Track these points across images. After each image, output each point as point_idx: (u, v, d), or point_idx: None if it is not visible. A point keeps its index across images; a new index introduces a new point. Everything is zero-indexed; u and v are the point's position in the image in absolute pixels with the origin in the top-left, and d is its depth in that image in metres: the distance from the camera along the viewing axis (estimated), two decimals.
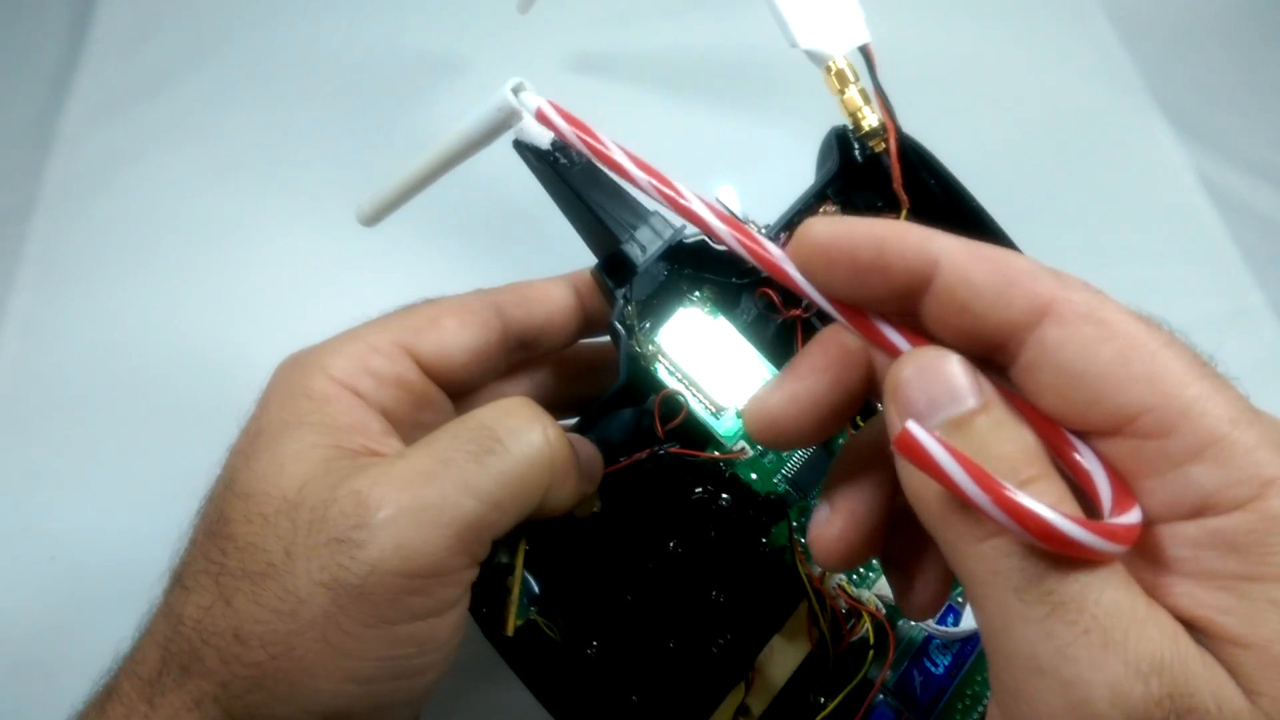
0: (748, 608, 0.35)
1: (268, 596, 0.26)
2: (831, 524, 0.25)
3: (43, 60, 0.67)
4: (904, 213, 0.38)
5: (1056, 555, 0.20)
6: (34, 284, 0.58)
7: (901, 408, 0.22)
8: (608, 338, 0.36)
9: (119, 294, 0.57)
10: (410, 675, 0.27)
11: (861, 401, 0.25)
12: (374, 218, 0.40)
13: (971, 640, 0.37)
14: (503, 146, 0.36)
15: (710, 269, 0.37)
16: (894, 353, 0.24)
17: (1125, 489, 0.21)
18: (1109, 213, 0.62)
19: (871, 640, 0.36)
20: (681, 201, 0.27)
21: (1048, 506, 0.19)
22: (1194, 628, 0.20)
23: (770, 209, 0.38)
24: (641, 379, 0.36)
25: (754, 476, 0.36)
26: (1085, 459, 0.21)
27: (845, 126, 0.38)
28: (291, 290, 0.57)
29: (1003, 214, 0.41)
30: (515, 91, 0.34)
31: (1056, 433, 0.22)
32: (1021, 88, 0.66)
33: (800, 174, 0.41)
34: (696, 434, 0.36)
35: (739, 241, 0.25)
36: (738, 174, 0.61)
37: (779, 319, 0.38)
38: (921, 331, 0.23)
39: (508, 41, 0.61)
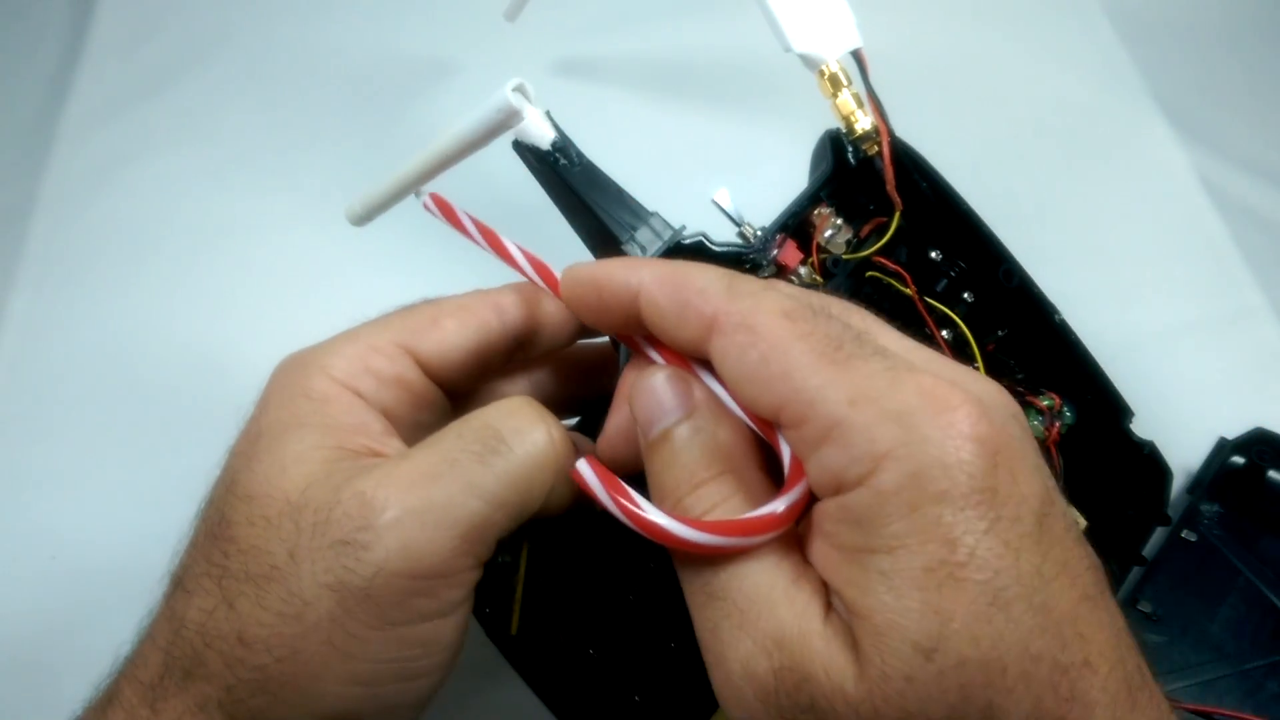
0: None
1: (272, 599, 0.26)
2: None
3: (43, 60, 0.67)
4: (898, 214, 0.38)
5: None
6: (34, 284, 0.58)
7: (636, 417, 0.26)
8: (606, 338, 0.36)
9: (119, 293, 0.57)
10: (415, 677, 0.27)
11: None
12: (364, 218, 0.40)
13: None
14: (502, 146, 0.36)
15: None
16: (646, 358, 0.28)
17: (796, 474, 0.23)
18: (1109, 213, 0.62)
19: None
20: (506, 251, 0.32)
21: (670, 517, 0.23)
22: (840, 598, 0.22)
23: (766, 211, 0.38)
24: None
25: None
26: (781, 444, 0.24)
27: (838, 130, 0.38)
28: (291, 290, 0.57)
29: (1003, 214, 0.41)
30: (516, 93, 0.34)
31: (765, 424, 0.25)
32: (1022, 88, 0.67)
33: (795, 176, 0.41)
34: None
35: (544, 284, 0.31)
36: (733, 176, 0.61)
37: None
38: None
39: (504, 44, 0.61)
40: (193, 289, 0.57)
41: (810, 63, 0.37)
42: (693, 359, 0.26)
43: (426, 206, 0.35)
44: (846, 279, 0.39)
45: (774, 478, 0.26)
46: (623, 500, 0.24)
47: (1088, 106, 0.66)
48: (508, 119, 0.34)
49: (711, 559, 0.23)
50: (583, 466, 0.25)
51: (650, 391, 0.26)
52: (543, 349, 0.37)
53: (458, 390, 0.34)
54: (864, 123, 0.37)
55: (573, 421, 0.35)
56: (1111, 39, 0.69)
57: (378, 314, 0.34)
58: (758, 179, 0.59)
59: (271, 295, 0.57)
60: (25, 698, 0.46)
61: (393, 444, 0.30)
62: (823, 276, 0.38)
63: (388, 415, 0.31)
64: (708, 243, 0.36)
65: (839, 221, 0.39)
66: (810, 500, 0.24)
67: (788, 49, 0.37)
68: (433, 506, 0.26)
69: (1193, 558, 0.45)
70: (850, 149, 0.39)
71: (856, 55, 0.37)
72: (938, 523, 0.20)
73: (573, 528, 0.34)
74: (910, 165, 0.39)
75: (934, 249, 0.41)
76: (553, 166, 0.35)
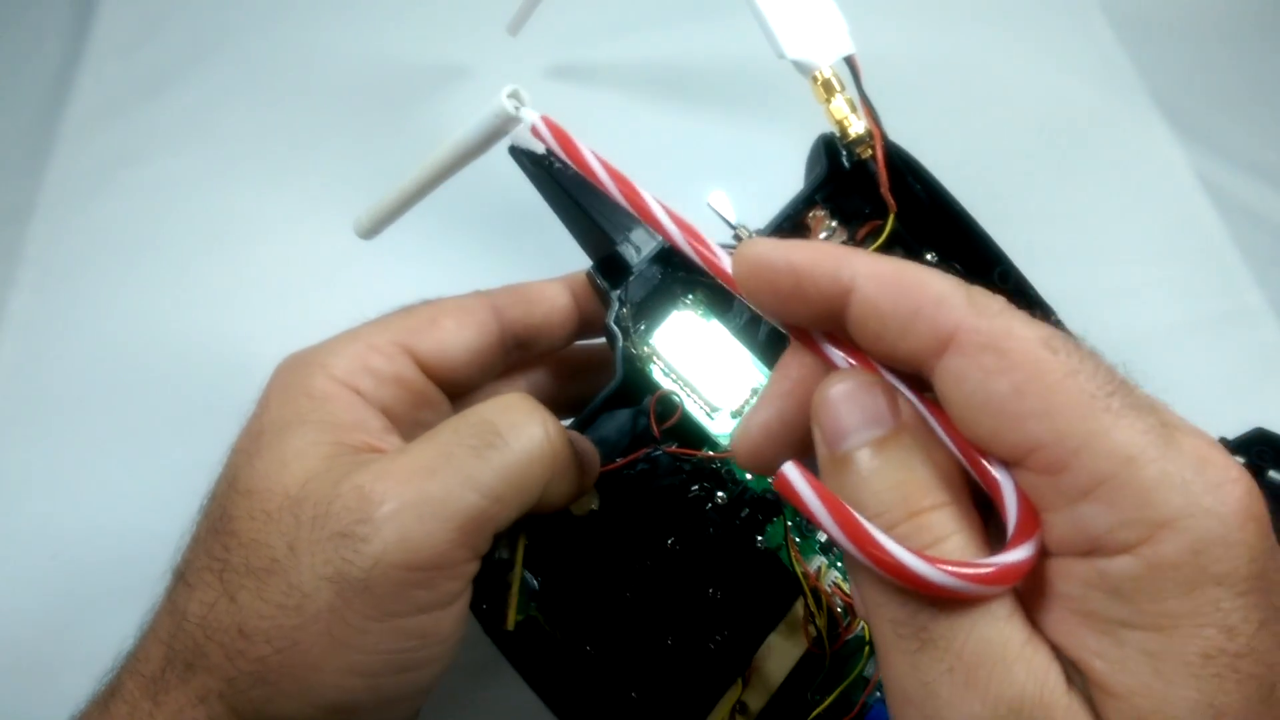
0: (744, 605, 0.35)
1: (272, 592, 0.26)
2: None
3: (44, 61, 0.67)
4: (892, 216, 0.39)
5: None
6: (34, 284, 0.58)
7: (822, 431, 0.23)
8: (603, 339, 0.37)
9: (119, 293, 0.58)
10: (414, 668, 0.27)
11: None
12: (372, 230, 0.40)
13: None
14: (499, 152, 0.37)
15: (703, 272, 0.38)
16: (831, 365, 0.24)
17: (1031, 521, 0.20)
18: (1109, 213, 0.62)
19: (868, 637, 0.36)
20: (647, 208, 0.28)
21: (908, 550, 0.19)
22: (1076, 668, 0.20)
23: (762, 213, 0.39)
24: (637, 380, 0.36)
25: (749, 475, 0.37)
26: (1002, 484, 0.21)
27: (832, 134, 0.39)
28: (291, 290, 0.58)
29: (1003, 214, 0.41)
30: (512, 99, 0.34)
31: (978, 455, 0.22)
32: (1019, 89, 0.67)
33: (791, 179, 0.42)
34: (692, 434, 0.36)
35: (695, 251, 0.26)
36: (729, 179, 0.62)
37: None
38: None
39: (503, 48, 0.61)
40: (193, 289, 0.58)
41: (803, 69, 0.37)
42: (893, 370, 0.23)
43: (536, 131, 0.31)
44: None
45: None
46: (847, 518, 0.20)
47: (1085, 106, 0.66)
48: (504, 125, 0.35)
49: (934, 600, 0.20)
50: (790, 471, 0.21)
51: (851, 397, 0.22)
52: (541, 349, 0.37)
53: (457, 389, 0.35)
54: (857, 127, 0.37)
55: (568, 422, 0.35)
56: (1109, 38, 0.69)
57: (377, 314, 0.34)
58: (753, 182, 0.60)
59: (272, 295, 0.57)
60: (25, 696, 0.46)
61: (391, 441, 0.30)
62: None
63: (387, 413, 0.31)
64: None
65: (834, 224, 0.39)
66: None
67: (781, 56, 0.37)
68: (430, 499, 0.27)
69: None
70: (844, 153, 0.39)
71: (849, 61, 0.37)
72: (1217, 607, 0.18)
73: (570, 523, 0.35)
74: (904, 168, 0.39)
75: (929, 251, 0.41)
76: (548, 170, 0.36)
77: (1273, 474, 0.48)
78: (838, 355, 0.24)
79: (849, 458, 0.22)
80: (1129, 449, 0.19)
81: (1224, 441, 0.50)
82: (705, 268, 0.26)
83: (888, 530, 0.20)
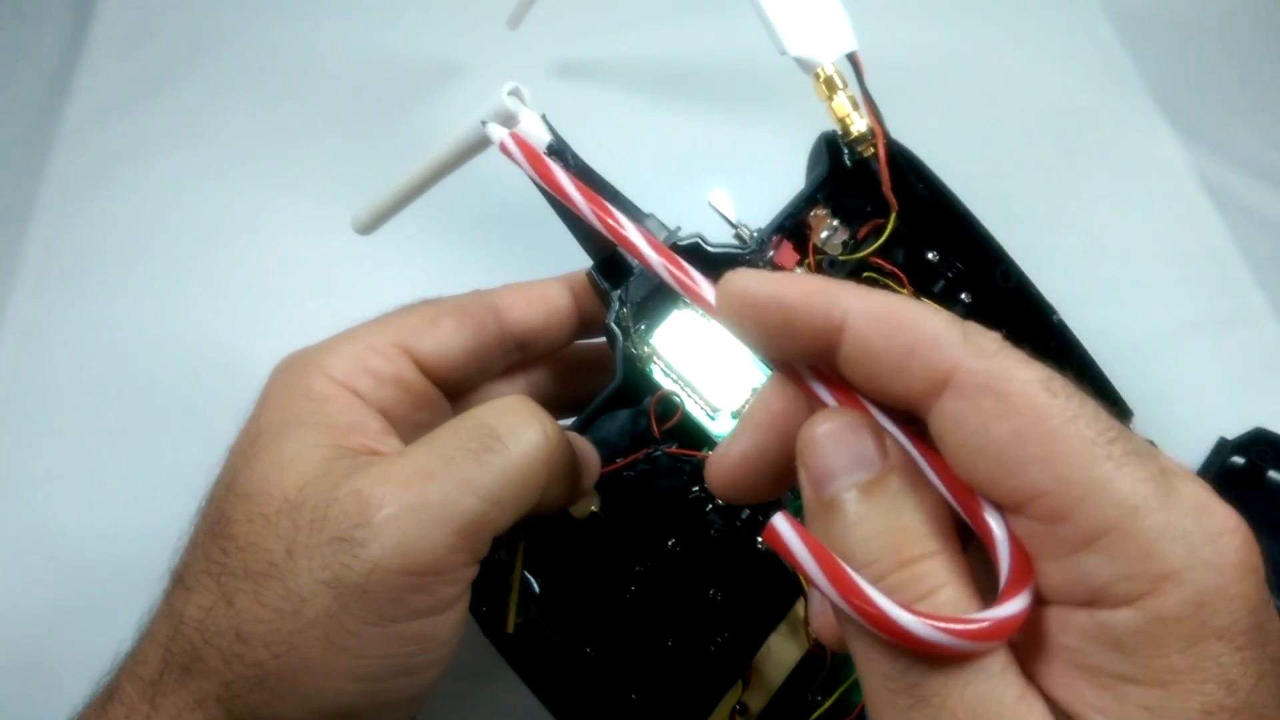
0: (744, 606, 0.35)
1: (270, 596, 0.26)
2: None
3: (43, 60, 0.67)
4: (894, 215, 0.38)
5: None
6: (34, 284, 0.58)
7: (808, 473, 0.22)
8: (603, 339, 0.37)
9: (118, 294, 0.57)
10: (412, 673, 0.27)
11: None
12: (370, 226, 0.40)
13: None
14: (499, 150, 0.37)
15: (703, 271, 0.37)
16: (818, 402, 0.23)
17: (1025, 570, 0.20)
18: (1109, 213, 0.62)
19: None
20: (619, 230, 0.27)
21: (900, 607, 0.19)
22: None
23: (762, 212, 0.39)
24: (637, 380, 0.36)
25: None
26: (995, 531, 0.20)
27: (834, 132, 0.38)
28: (290, 290, 0.57)
29: (1001, 214, 0.41)
30: (512, 96, 0.34)
31: (971, 499, 0.21)
32: (1021, 88, 0.67)
33: (792, 178, 0.41)
34: (692, 434, 0.36)
35: (671, 275, 0.26)
36: (730, 178, 0.62)
37: None
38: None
39: (503, 46, 0.61)
40: (192, 289, 0.58)
41: (806, 66, 0.37)
42: (883, 409, 0.22)
43: (504, 148, 0.31)
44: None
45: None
46: (836, 572, 0.19)
47: (1086, 106, 0.66)
48: (504, 122, 0.34)
49: (925, 656, 0.19)
50: (780, 523, 0.20)
51: (838, 438, 0.22)
52: (541, 349, 0.37)
53: (456, 390, 0.35)
54: (859, 125, 0.37)
55: (568, 422, 0.35)
56: (1110, 38, 0.69)
57: (376, 314, 0.34)
58: (754, 181, 0.59)
59: (271, 295, 0.57)
60: (24, 697, 0.46)
61: (390, 443, 0.30)
62: None
63: (386, 414, 0.31)
64: (704, 244, 0.37)
65: (835, 223, 0.39)
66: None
67: (783, 52, 0.37)
68: (429, 504, 0.26)
69: None
70: (846, 151, 0.39)
71: (852, 58, 0.37)
72: (1217, 661, 0.18)
73: (570, 525, 0.34)
74: (906, 167, 0.39)
75: (931, 250, 0.41)
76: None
77: (1272, 474, 0.48)
78: (825, 392, 0.23)
79: (836, 501, 0.21)
80: (1132, 498, 0.18)
81: (1224, 442, 0.50)
82: (685, 296, 0.26)
83: (877, 581, 0.20)
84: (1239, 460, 0.48)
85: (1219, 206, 0.62)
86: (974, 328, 0.21)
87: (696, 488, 0.36)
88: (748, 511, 0.36)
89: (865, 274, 0.39)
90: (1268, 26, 0.71)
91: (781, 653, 0.36)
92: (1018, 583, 0.20)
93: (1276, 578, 0.46)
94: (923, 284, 0.40)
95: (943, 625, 0.19)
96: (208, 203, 0.61)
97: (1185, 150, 0.64)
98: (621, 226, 0.27)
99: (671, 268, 0.26)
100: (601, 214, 0.28)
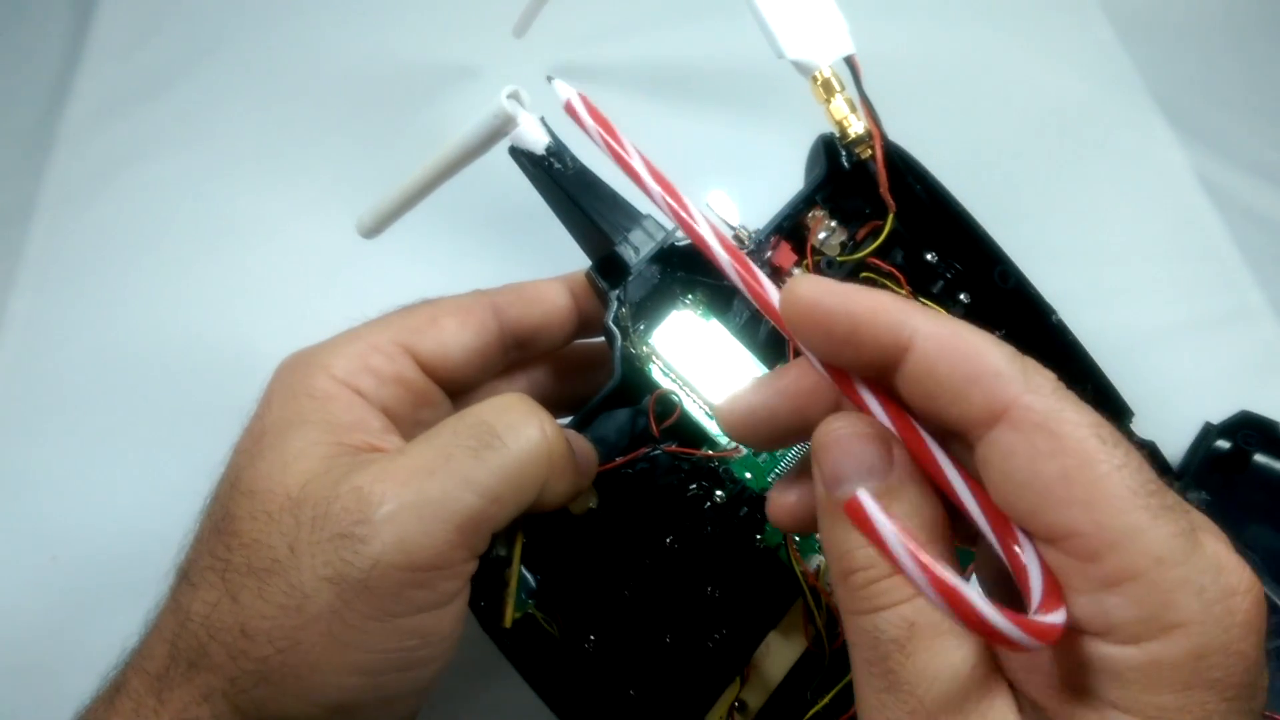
0: (743, 604, 0.36)
1: (273, 592, 0.26)
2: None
3: (43, 61, 0.67)
4: (891, 216, 0.39)
5: (902, 640, 0.21)
6: (35, 285, 0.58)
7: (821, 471, 0.23)
8: (602, 338, 0.37)
9: (119, 294, 0.58)
10: (414, 667, 0.28)
11: None
12: (374, 229, 0.41)
13: None
14: (499, 153, 0.37)
15: (703, 272, 0.38)
16: (864, 410, 0.24)
17: (1056, 590, 0.21)
18: (1109, 213, 0.62)
19: None
20: (691, 225, 0.27)
21: (979, 595, 0.20)
22: None
23: (761, 213, 0.39)
24: (636, 379, 0.36)
25: (748, 475, 0.37)
26: (1025, 554, 0.22)
27: (832, 134, 0.39)
28: (291, 290, 0.58)
29: (1003, 214, 0.41)
30: (511, 100, 0.34)
31: (1003, 521, 0.22)
32: (1019, 88, 0.67)
33: (791, 178, 0.42)
34: (691, 433, 0.37)
35: (739, 276, 0.26)
36: (729, 179, 0.62)
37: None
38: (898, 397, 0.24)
39: (504, 47, 0.61)
40: (193, 289, 0.58)
41: (803, 69, 0.37)
42: (928, 428, 0.23)
43: (570, 107, 0.30)
44: (842, 281, 0.39)
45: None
46: (927, 562, 0.20)
47: (1085, 105, 0.66)
48: (504, 125, 0.35)
49: (907, 649, 0.21)
50: (865, 499, 0.20)
51: (851, 443, 0.23)
52: (541, 348, 0.37)
53: (457, 388, 0.35)
54: (857, 127, 0.37)
55: (566, 421, 0.35)
56: (1110, 37, 0.69)
57: (378, 313, 0.34)
58: (752, 182, 0.60)
59: (272, 295, 0.58)
60: (26, 697, 0.46)
61: (392, 440, 0.31)
62: None
63: (388, 413, 0.32)
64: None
65: (833, 224, 0.39)
66: None
67: (781, 56, 0.37)
68: (428, 500, 0.27)
69: None
70: (844, 153, 0.39)
71: (849, 61, 0.37)
72: (1204, 707, 0.20)
73: (569, 522, 0.35)
74: (904, 168, 0.39)
75: (929, 251, 0.41)
76: (547, 171, 0.36)
77: (1258, 457, 0.48)
78: (875, 403, 0.24)
79: (840, 504, 0.22)
80: (1160, 550, 0.19)
81: (1209, 426, 0.50)
82: (752, 300, 0.26)
83: (872, 583, 0.22)
84: (1224, 444, 0.48)
85: (1219, 206, 0.62)
86: (1034, 365, 0.22)
87: (695, 485, 0.36)
88: (745, 509, 0.36)
89: (863, 275, 0.40)
90: (1267, 26, 0.71)
91: (780, 650, 0.36)
92: (1050, 603, 0.21)
93: (1267, 563, 0.46)
94: (921, 285, 0.41)
95: (1013, 616, 0.20)
96: (208, 203, 0.61)
97: (1185, 150, 0.64)
98: (694, 220, 0.27)
99: (739, 268, 0.26)
100: (672, 198, 0.28)
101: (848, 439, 0.23)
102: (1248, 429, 0.48)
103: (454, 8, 0.69)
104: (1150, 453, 0.44)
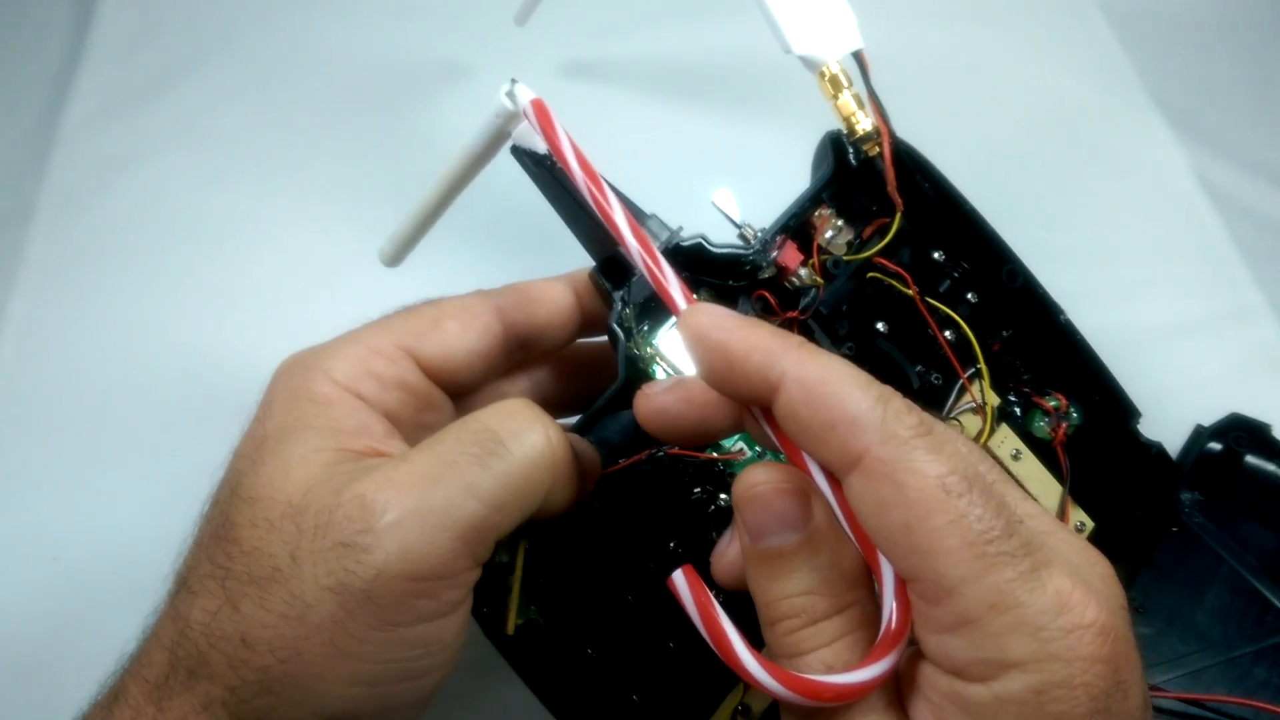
0: (747, 608, 0.35)
1: (274, 601, 0.26)
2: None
3: (44, 63, 0.67)
4: (899, 215, 0.38)
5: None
6: (35, 287, 0.58)
7: (744, 523, 0.25)
8: (606, 338, 0.37)
9: (120, 296, 0.58)
10: (417, 676, 0.27)
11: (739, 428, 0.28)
12: (396, 257, 0.40)
13: None
14: (502, 155, 0.37)
15: (707, 272, 0.37)
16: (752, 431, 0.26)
17: (901, 631, 0.23)
18: (1109, 213, 0.62)
19: None
20: (609, 213, 0.29)
21: (755, 658, 0.23)
22: None
23: (766, 212, 0.38)
24: (640, 381, 0.36)
25: None
26: (884, 594, 0.24)
27: (839, 131, 0.38)
28: (292, 292, 0.57)
29: (1002, 214, 0.41)
30: (509, 92, 0.34)
31: (874, 556, 0.24)
32: (1020, 88, 0.67)
33: (797, 177, 0.41)
34: None
35: (649, 271, 0.28)
36: (735, 178, 0.62)
37: (776, 321, 0.38)
38: None
39: (507, 47, 0.61)
40: (194, 291, 0.58)
41: (811, 64, 0.37)
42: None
43: (525, 114, 0.32)
44: (848, 280, 0.39)
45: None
46: (714, 627, 0.24)
47: (1086, 106, 0.66)
48: (506, 123, 0.34)
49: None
50: (679, 578, 0.25)
51: (769, 499, 0.25)
52: (544, 349, 0.37)
53: (459, 390, 0.34)
54: (865, 124, 0.37)
55: (570, 422, 0.35)
56: (1109, 38, 0.69)
57: (379, 315, 0.34)
58: (758, 180, 0.60)
59: (273, 296, 0.57)
60: (26, 699, 0.46)
61: (395, 445, 0.30)
62: (823, 278, 0.38)
63: (390, 417, 0.31)
64: (706, 244, 0.37)
65: (840, 223, 0.39)
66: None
67: (788, 51, 0.37)
68: (431, 509, 0.26)
69: (1175, 547, 0.45)
70: (851, 150, 0.39)
71: (857, 56, 0.37)
72: None
73: (571, 528, 0.34)
74: (912, 166, 0.39)
75: (937, 250, 0.41)
76: (550, 170, 0.36)
77: (1250, 459, 0.47)
78: (770, 431, 0.26)
79: (763, 555, 0.25)
80: (993, 596, 0.21)
81: (1201, 428, 0.49)
82: (650, 282, 0.28)
83: (788, 635, 0.24)
84: (1216, 446, 0.48)
85: (1219, 206, 0.62)
86: (900, 409, 0.23)
87: (698, 489, 0.36)
88: None
89: (870, 274, 0.39)
90: (1266, 26, 0.71)
91: None
92: (887, 645, 0.23)
93: (1263, 562, 0.46)
94: (928, 284, 0.40)
95: (791, 685, 0.23)
96: (209, 205, 0.61)
97: (1185, 150, 0.65)
98: (611, 209, 0.29)
99: (649, 260, 0.28)
100: (596, 191, 0.30)
101: (767, 495, 0.25)
102: (1238, 431, 0.48)
103: (454, 8, 0.69)
104: (1156, 453, 0.44)
